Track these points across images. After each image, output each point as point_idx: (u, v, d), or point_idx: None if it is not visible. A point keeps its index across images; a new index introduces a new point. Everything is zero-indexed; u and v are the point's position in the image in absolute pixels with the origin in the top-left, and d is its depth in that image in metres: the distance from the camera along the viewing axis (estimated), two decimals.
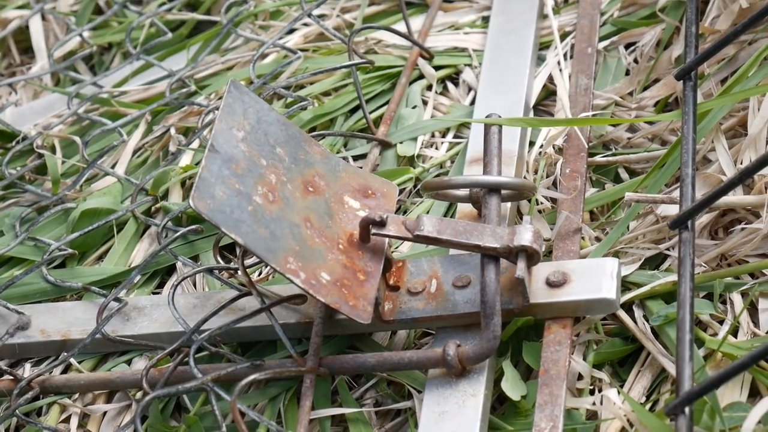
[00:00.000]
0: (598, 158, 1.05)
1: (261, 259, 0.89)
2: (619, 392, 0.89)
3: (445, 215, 1.04)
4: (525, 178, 1.04)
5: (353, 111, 1.17)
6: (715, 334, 0.91)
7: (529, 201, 1.02)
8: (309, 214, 0.94)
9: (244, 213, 0.90)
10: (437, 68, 1.18)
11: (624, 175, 1.05)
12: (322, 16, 1.26)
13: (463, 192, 0.99)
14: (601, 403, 0.89)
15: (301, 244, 0.91)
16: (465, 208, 1.01)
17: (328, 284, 0.90)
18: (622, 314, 0.94)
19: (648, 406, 0.89)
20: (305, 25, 1.26)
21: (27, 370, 1.04)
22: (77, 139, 1.20)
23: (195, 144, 1.16)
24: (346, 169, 0.99)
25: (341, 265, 0.92)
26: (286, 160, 0.95)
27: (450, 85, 1.17)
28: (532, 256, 0.90)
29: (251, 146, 0.94)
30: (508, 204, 1.00)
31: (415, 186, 1.09)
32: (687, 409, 0.79)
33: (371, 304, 0.91)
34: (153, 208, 1.14)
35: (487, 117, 0.99)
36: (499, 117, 1.00)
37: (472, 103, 1.14)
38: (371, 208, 0.97)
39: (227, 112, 0.94)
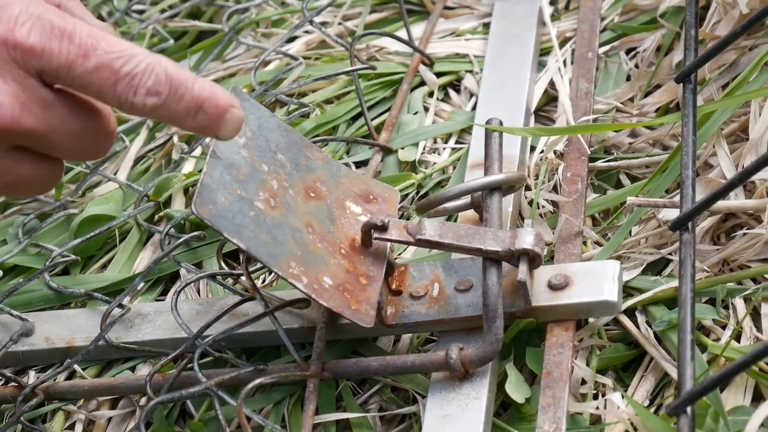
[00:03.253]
0: (599, 163, 1.05)
1: (263, 264, 0.89)
2: (623, 396, 0.89)
3: (448, 220, 1.05)
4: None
5: (355, 118, 1.17)
6: (718, 339, 0.92)
7: (531, 205, 1.02)
8: (311, 220, 0.94)
9: (246, 218, 0.90)
10: (439, 75, 1.19)
11: (625, 181, 1.05)
12: (324, 24, 1.27)
13: (463, 201, 0.99)
14: (605, 407, 0.90)
15: (303, 249, 0.92)
16: (467, 213, 1.02)
17: (330, 288, 0.91)
18: (625, 319, 0.94)
19: (651, 410, 0.89)
20: (307, 32, 1.27)
21: (31, 377, 1.05)
22: None
23: (197, 151, 1.17)
24: (347, 174, 0.99)
25: (343, 269, 0.93)
26: (288, 166, 0.96)
27: (451, 92, 1.18)
28: (533, 259, 0.90)
29: (252, 152, 0.94)
30: (510, 208, 1.01)
31: (417, 192, 1.10)
32: (689, 409, 0.80)
33: (374, 308, 0.91)
34: (156, 216, 1.14)
35: (488, 122, 1.00)
36: (500, 122, 1.00)
37: (474, 109, 1.14)
38: (373, 213, 0.97)
39: None
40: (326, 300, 0.90)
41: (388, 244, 0.95)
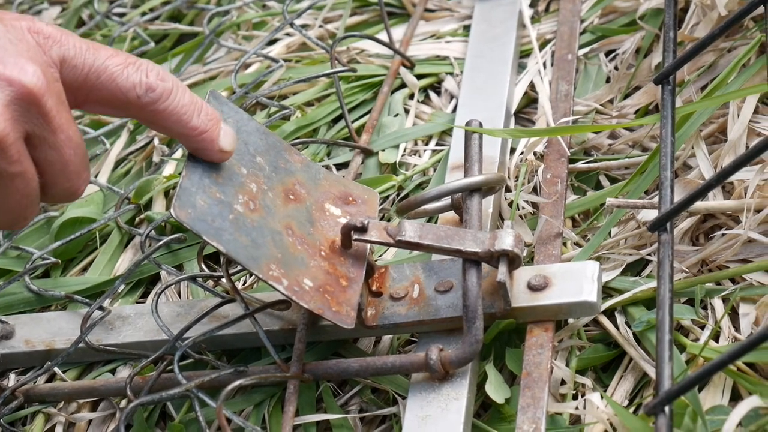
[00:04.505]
0: (579, 165, 1.06)
1: (243, 266, 0.89)
2: (602, 396, 0.89)
3: (428, 221, 1.05)
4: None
5: (336, 120, 1.17)
6: (696, 340, 0.92)
7: (510, 206, 1.03)
8: (290, 222, 0.94)
9: (226, 221, 0.90)
10: (419, 77, 1.19)
11: (605, 182, 1.05)
12: (304, 26, 1.27)
13: (443, 203, 0.99)
14: (584, 407, 0.90)
15: (284, 252, 0.92)
16: (447, 214, 1.02)
17: (311, 290, 0.91)
18: (604, 320, 0.94)
19: (631, 410, 0.89)
20: (288, 35, 1.27)
21: (11, 380, 1.05)
22: None
23: (178, 154, 1.17)
24: (326, 176, 0.99)
25: (324, 271, 0.93)
26: (267, 169, 0.96)
27: (432, 94, 1.18)
28: (513, 260, 0.90)
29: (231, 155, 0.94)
30: (489, 209, 1.01)
31: (398, 194, 1.10)
32: (667, 408, 0.80)
33: (354, 310, 0.92)
34: (137, 218, 1.14)
35: (468, 123, 1.00)
36: (480, 123, 1.00)
37: (454, 111, 1.15)
38: (352, 215, 0.97)
39: None
40: (306, 302, 0.90)
41: (368, 245, 0.95)
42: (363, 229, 0.93)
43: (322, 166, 1.12)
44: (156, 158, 1.18)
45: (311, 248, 0.93)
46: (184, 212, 0.88)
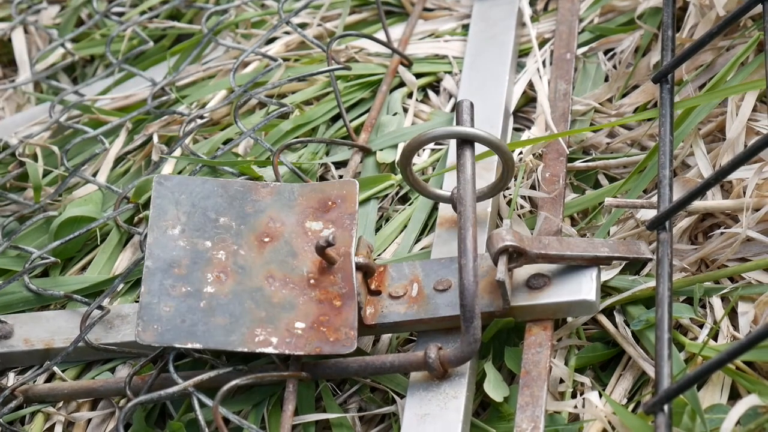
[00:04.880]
0: (577, 163, 1.06)
1: (225, 351, 0.91)
2: (600, 394, 0.89)
3: (426, 221, 1.05)
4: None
5: (335, 119, 1.17)
6: (695, 338, 0.92)
7: (509, 205, 1.03)
8: (270, 268, 0.94)
9: (197, 313, 0.91)
10: (418, 76, 1.19)
11: (603, 181, 1.05)
12: (303, 26, 1.27)
13: (445, 192, 0.99)
14: (583, 406, 0.90)
15: (267, 307, 0.92)
16: (447, 214, 1.02)
17: (304, 332, 0.91)
18: (603, 319, 0.94)
19: (630, 408, 0.89)
20: (286, 33, 1.27)
21: (11, 379, 1.04)
22: (55, 148, 1.20)
23: (177, 152, 1.17)
24: (301, 192, 0.99)
25: (315, 302, 0.93)
26: (233, 226, 0.96)
27: (431, 93, 1.18)
28: (512, 255, 0.90)
29: (191, 235, 0.95)
30: (488, 209, 1.01)
31: (397, 193, 1.10)
32: (666, 407, 0.80)
33: (353, 327, 0.92)
34: (136, 217, 1.14)
35: (460, 102, 0.99)
36: (471, 103, 0.98)
37: (453, 110, 1.15)
38: (334, 222, 0.97)
39: (157, 216, 0.96)
40: (302, 348, 0.91)
41: (353, 251, 0.94)
42: (332, 244, 0.93)
43: (320, 164, 1.12)
44: (155, 157, 1.18)
45: (298, 284, 0.94)
46: (149, 333, 0.91)
